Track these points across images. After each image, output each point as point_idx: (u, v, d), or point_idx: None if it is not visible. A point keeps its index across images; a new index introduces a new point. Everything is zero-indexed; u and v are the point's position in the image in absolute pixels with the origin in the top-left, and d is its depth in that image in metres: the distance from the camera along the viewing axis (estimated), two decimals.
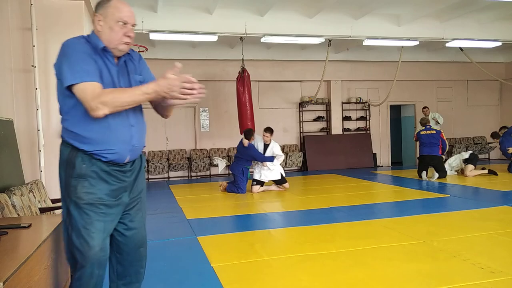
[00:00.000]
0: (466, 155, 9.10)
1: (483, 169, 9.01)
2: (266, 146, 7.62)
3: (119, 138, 1.94)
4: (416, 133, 9.14)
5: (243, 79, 8.79)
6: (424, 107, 10.80)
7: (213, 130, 10.84)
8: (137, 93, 1.87)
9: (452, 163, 9.23)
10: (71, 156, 1.90)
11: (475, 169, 8.91)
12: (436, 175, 8.44)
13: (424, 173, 8.55)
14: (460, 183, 7.86)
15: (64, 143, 1.94)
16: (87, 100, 1.81)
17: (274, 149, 7.56)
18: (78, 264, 1.89)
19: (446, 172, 8.69)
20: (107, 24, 1.95)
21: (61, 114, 1.96)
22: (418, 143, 9.10)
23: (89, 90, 1.81)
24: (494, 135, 9.88)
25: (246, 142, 7.41)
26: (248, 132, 7.52)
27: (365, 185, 8.13)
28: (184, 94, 1.86)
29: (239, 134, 9.31)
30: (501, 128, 9.95)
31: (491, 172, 8.85)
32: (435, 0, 7.69)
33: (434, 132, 8.72)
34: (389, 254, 3.55)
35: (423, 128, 8.94)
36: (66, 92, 1.87)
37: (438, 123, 10.60)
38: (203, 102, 10.74)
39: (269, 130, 7.62)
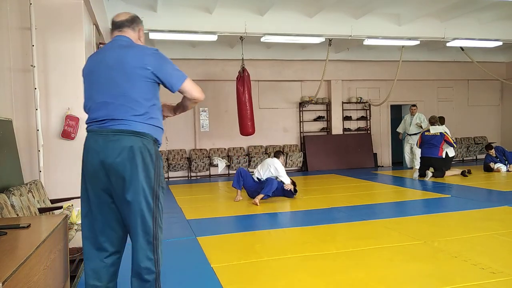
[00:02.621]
0: None
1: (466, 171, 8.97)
2: None
3: None
4: (420, 135, 9.13)
5: (243, 78, 8.78)
6: (413, 105, 10.78)
7: (213, 130, 10.82)
8: None
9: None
10: (156, 149, 2.24)
11: (450, 169, 9.01)
12: (430, 174, 8.43)
13: (427, 172, 8.54)
14: (460, 183, 7.85)
15: (149, 138, 2.19)
16: (198, 90, 2.30)
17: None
18: (161, 240, 2.31)
19: (443, 172, 8.67)
20: (143, 39, 2.46)
21: (145, 113, 2.19)
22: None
23: (193, 83, 2.29)
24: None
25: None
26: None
27: (365, 185, 8.12)
28: None
29: (239, 134, 9.32)
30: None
31: (464, 174, 8.82)
32: None
33: (438, 134, 8.72)
34: (389, 255, 3.54)
35: (428, 129, 8.94)
36: (157, 92, 2.26)
37: (421, 127, 10.51)
38: (203, 102, 10.67)
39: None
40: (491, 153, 9.54)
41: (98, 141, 2.17)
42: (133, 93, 2.17)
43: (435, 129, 8.88)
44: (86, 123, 2.29)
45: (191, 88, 2.27)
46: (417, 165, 10.55)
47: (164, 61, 2.24)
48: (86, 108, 2.31)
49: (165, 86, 2.27)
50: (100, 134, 2.17)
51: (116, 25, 2.40)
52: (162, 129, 2.31)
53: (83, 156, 2.24)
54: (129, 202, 2.14)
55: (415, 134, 10.43)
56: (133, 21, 2.40)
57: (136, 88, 2.17)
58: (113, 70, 2.19)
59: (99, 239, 2.23)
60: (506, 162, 9.41)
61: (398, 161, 12.54)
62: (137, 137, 2.15)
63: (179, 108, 2.46)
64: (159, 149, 2.33)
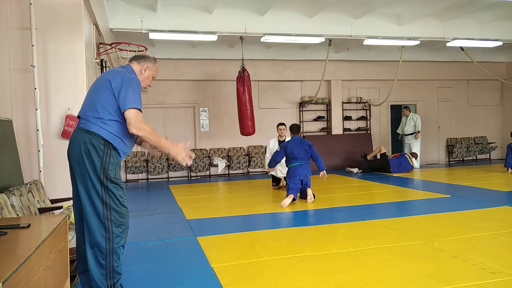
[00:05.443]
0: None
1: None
2: (282, 142, 7.27)
3: (130, 147, 2.85)
4: None
5: (243, 78, 8.78)
6: (404, 108, 11.08)
7: (213, 130, 10.82)
8: (162, 142, 2.71)
9: None
10: (106, 149, 2.63)
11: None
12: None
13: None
14: (460, 183, 7.85)
15: (98, 138, 2.61)
16: (136, 125, 2.59)
17: None
18: (117, 223, 2.66)
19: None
20: (147, 74, 2.91)
21: (102, 118, 2.62)
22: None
23: (139, 115, 2.63)
24: None
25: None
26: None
27: (365, 185, 8.12)
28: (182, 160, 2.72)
29: (239, 134, 9.32)
30: None
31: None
32: None
33: None
34: (389, 255, 3.54)
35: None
36: (118, 108, 2.63)
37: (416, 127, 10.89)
38: (203, 102, 10.73)
39: (284, 124, 7.60)
40: None
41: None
42: (97, 100, 2.68)
43: None
44: None
45: (131, 117, 2.60)
46: (417, 165, 10.67)
47: (128, 85, 2.65)
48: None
49: (119, 105, 2.65)
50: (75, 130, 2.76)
51: (130, 58, 2.98)
52: (120, 139, 2.68)
53: None
54: (79, 186, 2.65)
55: (411, 134, 10.84)
56: (142, 57, 2.94)
57: (100, 96, 2.67)
58: (96, 83, 2.80)
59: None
60: None
61: None
62: (88, 134, 2.62)
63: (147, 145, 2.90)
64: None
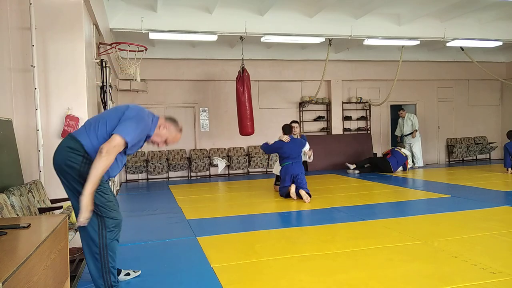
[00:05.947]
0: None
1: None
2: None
3: (111, 171, 2.85)
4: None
5: (242, 78, 8.78)
6: (401, 108, 11.26)
7: (213, 130, 10.82)
8: (92, 184, 2.60)
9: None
10: (84, 158, 2.69)
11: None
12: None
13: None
14: (460, 183, 7.85)
15: (79, 144, 2.69)
16: (107, 149, 2.61)
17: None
18: (108, 214, 2.74)
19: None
20: (164, 133, 2.96)
21: (97, 131, 2.72)
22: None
23: (119, 147, 2.68)
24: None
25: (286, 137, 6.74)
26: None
27: (365, 185, 8.12)
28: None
29: (239, 134, 9.32)
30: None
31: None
32: None
33: None
34: (389, 255, 3.54)
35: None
36: (111, 131, 2.71)
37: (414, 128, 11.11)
38: (203, 102, 10.74)
39: (297, 121, 7.65)
40: None
41: None
42: (104, 116, 2.84)
43: None
44: None
45: (110, 142, 2.64)
46: (420, 163, 10.78)
47: (135, 121, 2.76)
48: None
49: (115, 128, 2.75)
50: None
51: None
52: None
53: None
54: (65, 188, 2.78)
55: (410, 133, 11.08)
56: (173, 120, 3.05)
57: (110, 115, 2.81)
58: (118, 105, 3.08)
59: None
60: None
61: None
62: (71, 140, 2.72)
63: None
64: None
